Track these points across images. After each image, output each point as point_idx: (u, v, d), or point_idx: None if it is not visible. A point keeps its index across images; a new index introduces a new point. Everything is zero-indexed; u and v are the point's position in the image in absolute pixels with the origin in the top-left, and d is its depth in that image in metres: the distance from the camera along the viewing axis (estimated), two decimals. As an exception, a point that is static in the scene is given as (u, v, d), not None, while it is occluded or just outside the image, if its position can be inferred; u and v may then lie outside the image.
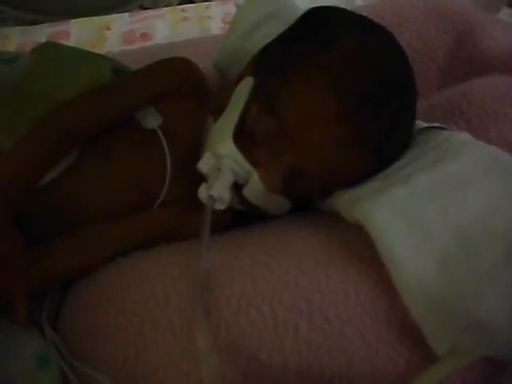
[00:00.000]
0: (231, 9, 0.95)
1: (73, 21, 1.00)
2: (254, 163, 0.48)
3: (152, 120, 0.53)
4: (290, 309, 0.40)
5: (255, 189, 0.47)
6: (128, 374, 0.41)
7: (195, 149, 0.51)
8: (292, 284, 0.41)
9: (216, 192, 0.45)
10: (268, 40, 0.54)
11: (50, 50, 0.57)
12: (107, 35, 0.94)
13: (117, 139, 0.52)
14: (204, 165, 0.47)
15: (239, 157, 0.47)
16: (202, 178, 0.48)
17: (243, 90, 0.51)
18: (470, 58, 0.64)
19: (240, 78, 0.53)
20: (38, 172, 0.48)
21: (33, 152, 0.47)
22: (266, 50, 0.53)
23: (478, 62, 0.63)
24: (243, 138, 0.48)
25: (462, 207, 0.41)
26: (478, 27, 0.65)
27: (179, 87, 0.55)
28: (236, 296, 0.40)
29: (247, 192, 0.47)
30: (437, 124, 0.54)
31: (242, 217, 0.52)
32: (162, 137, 0.52)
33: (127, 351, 0.41)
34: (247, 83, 0.51)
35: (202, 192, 0.46)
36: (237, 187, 0.47)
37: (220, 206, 0.45)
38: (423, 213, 0.41)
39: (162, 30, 0.93)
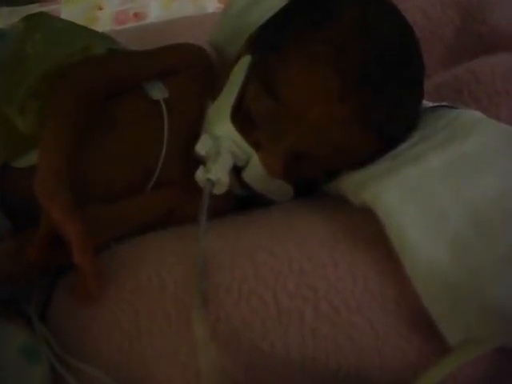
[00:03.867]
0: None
1: (63, 0, 0.96)
2: (254, 145, 0.45)
3: (158, 92, 0.51)
4: (295, 296, 0.37)
5: (255, 172, 0.45)
6: (122, 366, 0.38)
7: (196, 131, 0.49)
8: (296, 270, 0.38)
9: (214, 175, 0.42)
10: (268, 16, 0.51)
11: (44, 20, 0.55)
12: (99, 15, 0.90)
13: (121, 109, 0.50)
14: (201, 147, 0.45)
15: (238, 138, 0.45)
16: (200, 160, 0.45)
17: (240, 69, 0.48)
18: (479, 35, 0.61)
19: (238, 58, 0.51)
20: (74, 147, 0.45)
21: (60, 134, 0.44)
22: (264, 26, 0.51)
23: (487, 40, 0.60)
24: (242, 118, 0.46)
25: (475, 188, 0.39)
26: (485, 3, 0.62)
27: (189, 67, 0.54)
28: (236, 282, 0.38)
29: (247, 175, 0.45)
30: (445, 103, 0.51)
31: (243, 203, 0.50)
32: (164, 109, 0.50)
33: (122, 342, 0.38)
34: (244, 62, 0.48)
35: (200, 175, 0.43)
36: (236, 170, 0.45)
37: (219, 190, 0.43)
38: (435, 194, 0.39)
39: (156, 9, 0.90)
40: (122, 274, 0.40)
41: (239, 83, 0.47)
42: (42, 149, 0.43)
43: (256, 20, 0.54)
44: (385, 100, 0.43)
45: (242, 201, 0.51)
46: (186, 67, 0.54)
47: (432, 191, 0.39)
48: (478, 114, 0.46)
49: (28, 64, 0.50)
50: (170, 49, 0.55)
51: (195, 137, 0.47)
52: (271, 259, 0.39)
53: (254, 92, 0.46)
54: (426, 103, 0.51)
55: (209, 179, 0.42)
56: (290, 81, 0.43)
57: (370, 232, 0.40)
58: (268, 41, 0.47)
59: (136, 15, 0.90)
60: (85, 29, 0.58)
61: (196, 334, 0.36)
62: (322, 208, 0.45)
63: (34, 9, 0.96)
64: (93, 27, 0.89)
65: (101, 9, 0.92)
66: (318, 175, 0.47)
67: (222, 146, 0.44)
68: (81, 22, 0.92)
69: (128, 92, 0.50)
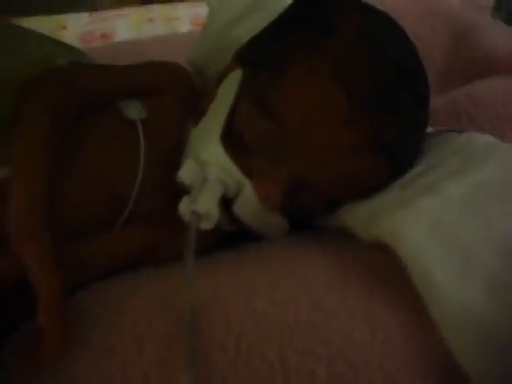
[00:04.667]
0: (202, 10, 0.87)
1: (25, 19, 0.89)
2: (247, 173, 0.39)
3: (134, 112, 0.44)
4: (304, 354, 0.31)
5: (248, 204, 0.39)
6: None
7: (177, 157, 0.42)
8: (304, 321, 0.31)
9: (201, 207, 0.36)
10: (250, 35, 0.46)
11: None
12: (63, 34, 0.83)
13: (91, 129, 0.42)
14: (185, 174, 0.38)
15: (229, 164, 0.39)
16: (183, 191, 0.39)
17: (230, 86, 0.42)
18: (471, 59, 0.59)
19: (224, 74, 0.45)
20: (52, 172, 0.37)
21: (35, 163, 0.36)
22: (254, 40, 0.46)
23: (481, 64, 0.58)
24: (232, 142, 0.40)
25: (505, 219, 0.34)
26: (477, 28, 0.61)
27: (171, 87, 0.47)
28: (233, 338, 0.31)
29: (238, 208, 0.39)
30: (450, 127, 0.48)
31: (231, 236, 0.43)
32: (140, 130, 0.43)
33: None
34: (235, 77, 0.43)
35: (185, 207, 0.37)
36: (225, 202, 0.38)
37: (206, 225, 0.36)
38: (460, 228, 0.34)
39: (125, 30, 0.84)
40: (87, 328, 0.32)
41: (229, 102, 0.41)
42: (15, 175, 0.35)
43: (237, 39, 0.49)
44: (399, 120, 0.39)
45: (229, 234, 0.44)
46: (167, 87, 0.47)
47: (457, 225, 0.34)
48: (490, 138, 0.43)
49: None
50: (149, 66, 0.49)
51: (176, 164, 0.41)
52: (272, 308, 0.32)
53: (246, 112, 0.40)
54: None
55: (195, 212, 0.36)
56: (289, 100, 0.38)
57: (386, 272, 0.34)
58: (261, 54, 0.42)
59: (103, 36, 0.84)
60: (49, 38, 0.50)
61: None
62: (322, 244, 0.39)
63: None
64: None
65: (65, 28, 0.85)
66: (319, 207, 0.41)
67: (210, 173, 0.38)
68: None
69: (100, 111, 0.43)
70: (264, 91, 0.39)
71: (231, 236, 0.43)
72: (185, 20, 0.86)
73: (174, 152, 0.43)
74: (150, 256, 0.40)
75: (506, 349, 0.30)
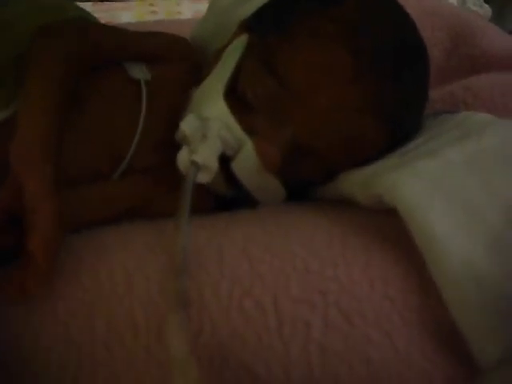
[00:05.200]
0: (203, 7, 0.88)
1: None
2: (248, 131, 0.38)
3: (139, 72, 0.44)
4: (299, 302, 0.30)
5: (247, 163, 0.38)
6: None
7: (177, 121, 0.42)
8: (301, 269, 0.30)
9: (200, 157, 0.35)
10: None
11: None
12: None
13: (96, 84, 0.42)
14: (186, 125, 0.37)
15: (230, 120, 0.38)
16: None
17: (235, 49, 0.42)
18: (470, 57, 0.60)
19: (227, 44, 0.45)
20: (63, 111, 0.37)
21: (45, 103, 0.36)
22: (260, 9, 0.46)
23: (479, 61, 0.59)
24: (235, 101, 0.39)
25: (506, 179, 0.34)
26: (475, 27, 0.62)
27: (177, 58, 0.48)
28: (226, 282, 0.30)
29: (237, 167, 0.38)
30: (443, 109, 0.48)
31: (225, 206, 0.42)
32: (143, 89, 0.43)
33: (67, 359, 0.28)
34: (240, 41, 0.43)
35: (183, 157, 0.36)
36: (224, 161, 0.38)
37: (204, 178, 0.36)
38: (463, 186, 0.33)
39: (128, 21, 0.84)
40: (74, 266, 0.30)
41: (234, 62, 0.40)
42: (25, 106, 0.35)
43: (242, 18, 0.49)
44: (401, 86, 0.39)
45: (222, 204, 0.43)
46: (174, 57, 0.47)
47: (459, 183, 0.33)
48: (488, 115, 0.43)
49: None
50: (159, 35, 0.49)
51: (177, 126, 0.40)
52: (269, 255, 0.31)
53: (252, 71, 0.40)
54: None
55: (193, 162, 0.35)
56: (296, 59, 0.38)
57: (384, 229, 0.33)
58: (270, 19, 0.42)
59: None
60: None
61: (171, 350, 0.27)
62: (320, 208, 0.39)
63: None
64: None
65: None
66: (317, 175, 0.41)
67: (211, 129, 0.37)
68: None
69: (107, 68, 0.43)
70: (270, 52, 0.39)
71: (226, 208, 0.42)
72: (186, 15, 0.87)
73: (175, 115, 0.42)
74: (145, 210, 0.39)
75: (507, 308, 0.29)
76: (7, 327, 0.30)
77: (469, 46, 0.60)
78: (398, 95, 0.39)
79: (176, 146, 0.38)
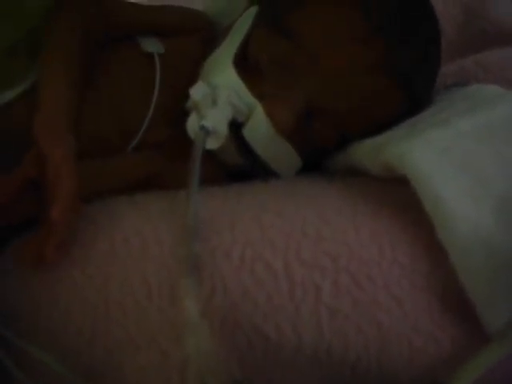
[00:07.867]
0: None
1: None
2: (259, 97, 0.38)
3: (153, 46, 0.44)
4: (310, 266, 0.30)
5: (259, 128, 0.38)
6: (82, 351, 0.29)
7: (188, 95, 0.42)
8: (312, 234, 0.31)
9: (210, 122, 0.35)
10: None
11: None
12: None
13: (110, 58, 0.43)
14: (196, 92, 0.38)
15: (241, 86, 0.38)
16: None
17: (245, 19, 0.43)
18: (482, 31, 0.60)
19: (238, 17, 0.45)
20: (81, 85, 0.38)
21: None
22: None
23: (491, 35, 0.59)
24: (245, 67, 0.39)
25: None
26: (487, 2, 0.61)
27: (193, 32, 0.48)
28: (238, 245, 0.30)
29: (248, 132, 0.38)
30: (453, 82, 0.48)
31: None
32: (157, 63, 0.43)
33: (83, 318, 0.29)
34: (250, 12, 0.43)
35: (193, 122, 0.36)
36: (235, 128, 0.38)
37: (213, 144, 0.36)
38: (472, 154, 0.33)
39: None
40: (90, 233, 0.31)
41: (244, 32, 0.41)
42: (48, 80, 0.36)
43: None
44: (411, 48, 0.40)
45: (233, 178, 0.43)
46: (189, 30, 0.48)
47: (470, 152, 0.33)
48: (500, 88, 0.43)
49: None
50: (173, 8, 0.49)
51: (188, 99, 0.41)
52: (280, 221, 0.32)
53: (263, 35, 0.40)
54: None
55: (203, 127, 0.35)
56: (307, 20, 0.39)
57: (395, 197, 0.34)
58: None
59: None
60: None
61: (184, 311, 0.28)
62: (331, 178, 0.39)
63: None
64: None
65: None
66: (331, 140, 0.41)
67: (221, 96, 0.37)
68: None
69: (120, 43, 0.44)
70: (282, 14, 0.40)
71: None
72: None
73: (187, 88, 0.43)
74: (158, 182, 0.40)
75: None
76: (26, 291, 0.31)
77: (480, 19, 0.60)
78: (408, 53, 0.39)
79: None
